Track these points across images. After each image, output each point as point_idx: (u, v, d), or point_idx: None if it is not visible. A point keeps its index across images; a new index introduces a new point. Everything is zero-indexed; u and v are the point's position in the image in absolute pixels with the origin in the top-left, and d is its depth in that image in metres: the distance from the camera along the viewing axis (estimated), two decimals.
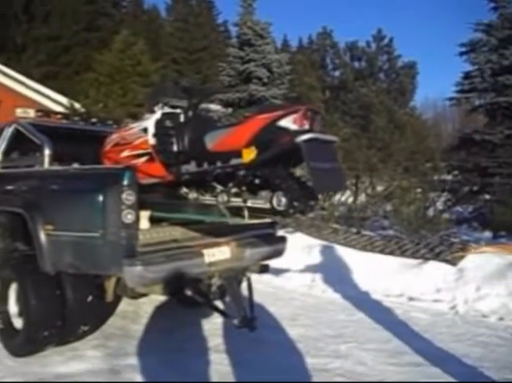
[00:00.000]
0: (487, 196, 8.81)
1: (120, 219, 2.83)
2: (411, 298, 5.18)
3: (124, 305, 4.18)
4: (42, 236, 3.10)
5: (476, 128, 9.80)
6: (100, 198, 2.89)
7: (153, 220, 3.34)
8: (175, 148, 3.23)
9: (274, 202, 2.95)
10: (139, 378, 3.08)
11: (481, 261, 5.46)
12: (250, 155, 2.85)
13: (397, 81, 25.82)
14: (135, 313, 4.30)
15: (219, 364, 3.33)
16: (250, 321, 3.35)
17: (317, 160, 2.70)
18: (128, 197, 2.85)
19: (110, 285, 3.33)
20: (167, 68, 33.17)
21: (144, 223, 3.19)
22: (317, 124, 2.81)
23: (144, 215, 3.19)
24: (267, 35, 11.85)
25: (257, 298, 3.94)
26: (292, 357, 3.49)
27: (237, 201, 3.22)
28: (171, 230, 3.41)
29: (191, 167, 3.24)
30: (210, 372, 3.22)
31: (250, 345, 3.60)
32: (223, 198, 3.25)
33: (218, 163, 3.07)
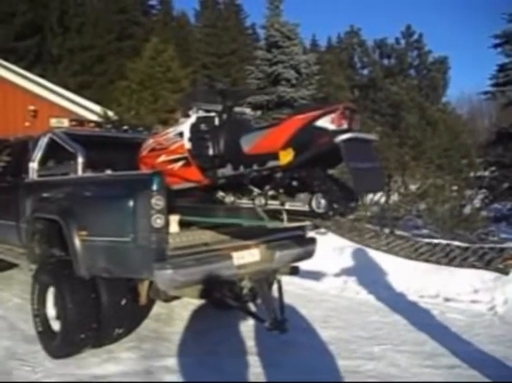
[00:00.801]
0: None
1: (149, 224, 2.89)
2: (447, 299, 5.04)
3: (158, 308, 4.25)
4: (77, 242, 3.20)
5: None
6: (130, 203, 2.96)
7: (183, 224, 3.38)
8: (210, 151, 3.22)
9: (314, 204, 2.90)
10: (171, 379, 3.13)
11: None
12: (287, 157, 2.82)
13: (428, 77, 25.19)
14: (169, 316, 4.37)
15: (252, 366, 3.34)
16: (280, 324, 3.35)
17: (357, 160, 2.64)
18: (157, 202, 2.91)
19: (143, 288, 3.40)
20: (197, 73, 33.63)
21: (174, 227, 3.24)
22: (355, 123, 2.74)
23: (174, 219, 3.24)
24: (295, 36, 11.82)
25: (288, 300, 3.94)
26: (323, 359, 3.47)
27: (275, 204, 3.16)
28: (200, 234, 3.45)
29: (227, 170, 3.23)
30: (242, 374, 3.23)
31: (281, 347, 3.61)
32: (260, 201, 3.19)
33: (255, 166, 3.04)
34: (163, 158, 3.47)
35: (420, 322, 4.25)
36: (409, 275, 5.51)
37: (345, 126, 2.66)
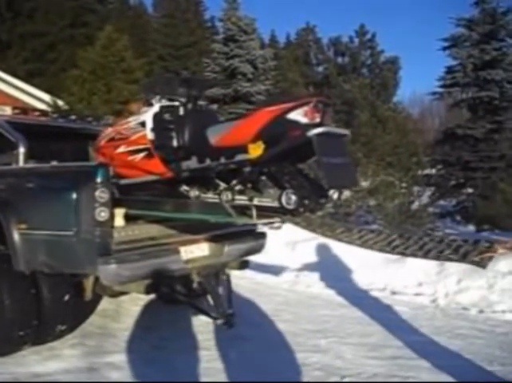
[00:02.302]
0: (470, 190, 8.89)
1: (93, 217, 2.80)
2: (393, 292, 5.21)
3: (105, 303, 4.14)
4: (15, 235, 3.05)
5: (459, 123, 9.87)
6: (74, 196, 2.86)
7: (129, 218, 3.30)
8: (174, 142, 3.07)
9: (283, 200, 2.79)
10: (117, 376, 3.06)
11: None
12: (256, 150, 2.71)
13: (380, 76, 25.95)
14: (116, 312, 4.27)
15: (200, 361, 3.32)
16: (228, 318, 3.34)
17: (329, 155, 2.58)
18: (102, 194, 2.83)
19: (88, 283, 3.31)
20: (154, 64, 32.99)
21: (119, 221, 3.16)
22: (328, 116, 2.68)
23: (119, 212, 3.15)
24: (252, 31, 11.81)
25: (239, 295, 3.94)
26: (271, 353, 3.49)
27: (243, 199, 3.00)
28: (147, 228, 3.38)
29: (192, 163, 3.10)
30: (190, 369, 3.20)
31: (230, 342, 3.60)
32: (227, 196, 3.03)
33: (222, 160, 2.92)
34: (122, 149, 3.29)
35: (367, 315, 4.36)
36: (359, 268, 5.65)
37: (318, 120, 2.59)
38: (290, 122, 2.59)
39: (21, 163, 3.56)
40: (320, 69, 27.55)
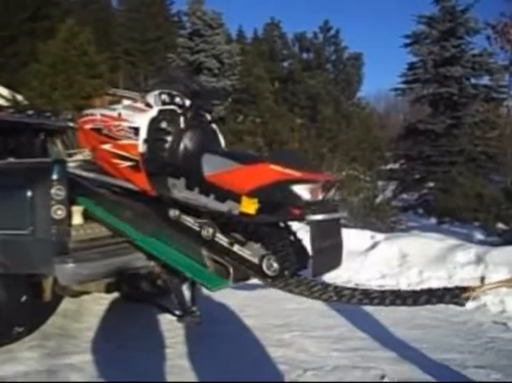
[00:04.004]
0: (431, 184, 9.14)
1: (49, 215, 2.73)
2: (357, 285, 5.29)
3: (66, 303, 4.05)
4: None
5: (420, 118, 10.13)
6: (28, 193, 2.79)
7: (88, 216, 3.23)
8: (166, 157, 2.89)
9: (264, 263, 2.63)
10: (76, 377, 2.99)
11: (423, 246, 5.66)
12: (250, 206, 2.54)
13: (344, 72, 26.38)
14: (77, 312, 4.16)
15: (164, 359, 3.28)
16: (191, 315, 3.31)
17: (322, 239, 2.50)
18: (58, 192, 2.76)
19: (48, 284, 3.23)
20: (120, 59, 32.37)
21: (78, 219, 3.09)
22: (330, 194, 2.62)
23: (77, 210, 3.08)
24: (218, 25, 11.73)
25: (205, 291, 3.91)
26: (236, 348, 3.49)
27: (223, 240, 2.81)
28: None
29: (180, 183, 2.92)
30: (154, 367, 3.16)
31: (195, 339, 3.59)
32: (208, 231, 2.83)
33: (211, 197, 2.75)
34: (108, 147, 3.04)
35: (332, 308, 4.41)
36: None
37: (320, 198, 2.51)
38: (293, 196, 2.44)
39: None
40: (286, 64, 27.74)
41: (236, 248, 2.76)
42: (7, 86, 11.86)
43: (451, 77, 9.71)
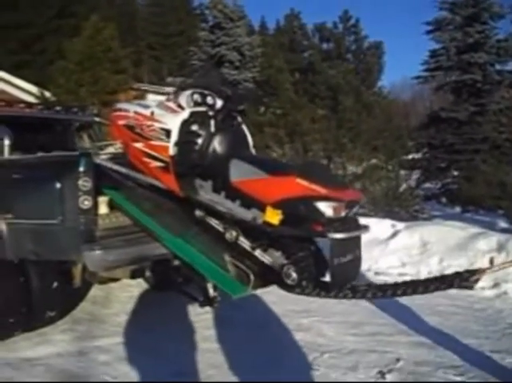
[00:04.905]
0: (455, 172, 9.03)
1: (77, 206, 2.89)
2: (377, 273, 5.35)
3: (95, 290, 4.24)
4: (3, 225, 3.15)
5: (442, 106, 9.98)
6: (57, 185, 2.95)
7: (113, 205, 3.38)
8: (195, 160, 2.94)
9: (284, 272, 2.64)
10: (104, 359, 3.17)
11: (444, 234, 5.65)
12: (274, 217, 2.57)
13: (364, 62, 26.03)
14: (106, 299, 4.36)
15: (187, 343, 3.43)
16: (212, 301, 3.44)
17: (341, 255, 2.52)
18: (85, 183, 2.91)
19: (77, 271, 3.40)
20: (143, 53, 32.74)
21: (103, 209, 3.24)
22: (353, 211, 2.64)
23: (103, 200, 3.24)
24: (238, 18, 11.78)
25: None
26: (257, 333, 3.62)
27: (245, 243, 2.82)
28: None
29: (207, 186, 3.00)
30: (177, 350, 3.31)
31: (217, 324, 3.73)
32: (232, 234, 2.85)
33: (237, 202, 2.80)
34: (139, 146, 3.09)
35: None
36: None
37: (343, 215, 2.52)
38: (316, 212, 2.46)
39: (6, 154, 3.63)
40: (306, 55, 27.58)
41: (258, 253, 2.78)
42: (35, 83, 12.23)
43: (475, 64, 9.52)
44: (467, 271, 2.39)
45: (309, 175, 2.51)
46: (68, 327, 3.65)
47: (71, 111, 5.00)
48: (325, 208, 2.44)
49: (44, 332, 3.51)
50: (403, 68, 57.47)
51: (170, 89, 3.50)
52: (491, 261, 2.42)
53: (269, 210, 2.58)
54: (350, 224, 2.58)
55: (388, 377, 2.89)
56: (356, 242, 2.65)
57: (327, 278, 2.64)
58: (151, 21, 33.88)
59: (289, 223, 2.54)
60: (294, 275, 2.57)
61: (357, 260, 2.68)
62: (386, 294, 2.56)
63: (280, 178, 2.58)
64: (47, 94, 10.75)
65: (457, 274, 2.40)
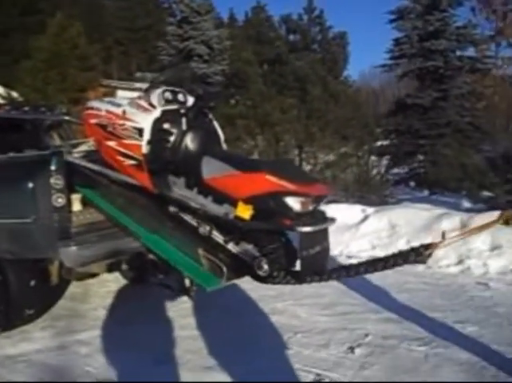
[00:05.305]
0: (421, 157, 9.32)
1: (50, 203, 2.95)
2: (348, 257, 5.55)
3: (73, 287, 4.30)
4: None
5: (408, 93, 10.25)
6: (30, 184, 3.01)
7: (87, 202, 3.45)
8: (168, 157, 3.02)
9: (256, 264, 2.75)
10: (86, 351, 3.25)
11: (411, 216, 5.89)
12: (245, 212, 2.70)
13: (330, 52, 26.42)
14: (84, 295, 4.43)
15: (165, 331, 3.54)
16: (188, 290, 3.55)
17: (310, 247, 2.66)
18: (57, 181, 2.98)
19: (54, 268, 3.46)
20: (112, 49, 32.24)
21: (77, 206, 3.31)
22: (320, 204, 2.76)
23: (76, 197, 3.31)
24: (205, 12, 11.79)
25: None
26: (233, 318, 3.75)
27: (219, 237, 2.94)
28: None
29: (180, 183, 3.08)
30: (155, 338, 3.40)
31: (195, 312, 3.84)
32: (205, 228, 2.96)
33: (209, 199, 2.91)
34: (112, 144, 3.15)
35: None
36: None
37: (310, 209, 2.65)
38: (285, 207, 2.59)
39: None
40: (273, 46, 27.88)
41: (230, 246, 2.89)
42: (1, 83, 11.98)
43: (436, 51, 9.82)
44: (421, 246, 2.57)
45: (278, 172, 2.62)
46: (48, 324, 3.71)
47: (39, 110, 4.99)
48: (294, 203, 2.58)
49: (24, 330, 3.56)
50: (372, 56, 58.11)
51: (140, 85, 3.56)
52: (443, 235, 2.60)
53: (240, 205, 2.71)
54: (318, 217, 2.73)
55: (357, 351, 3.07)
56: (323, 234, 2.79)
57: (297, 268, 2.78)
58: (119, 16, 33.34)
59: (259, 217, 2.67)
60: (266, 267, 2.70)
61: (325, 251, 2.82)
62: (349, 273, 2.73)
63: (250, 174, 2.68)
64: (14, 94, 10.57)
65: (412, 249, 2.58)
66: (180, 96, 3.16)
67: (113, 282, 4.64)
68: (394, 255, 2.65)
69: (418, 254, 2.52)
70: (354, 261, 5.25)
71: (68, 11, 14.63)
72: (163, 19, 29.48)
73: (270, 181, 2.59)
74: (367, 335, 3.31)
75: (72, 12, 16.87)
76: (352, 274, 2.76)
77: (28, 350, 3.30)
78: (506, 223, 2.44)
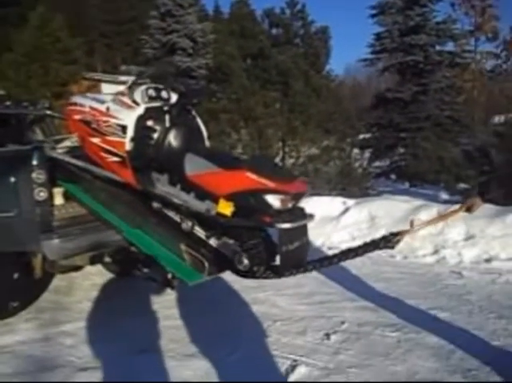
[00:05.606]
0: (402, 150, 9.50)
1: (32, 197, 3.01)
2: (330, 248, 5.67)
3: (57, 281, 4.35)
4: None
5: (389, 87, 10.41)
6: (12, 179, 3.06)
7: (69, 196, 3.50)
8: (151, 154, 3.06)
9: (236, 259, 2.82)
10: (70, 342, 3.32)
11: (390, 208, 6.04)
12: (226, 208, 2.76)
13: (313, 46, 26.59)
14: (68, 288, 4.47)
15: (149, 322, 3.61)
16: (171, 282, 3.63)
17: (289, 243, 2.72)
18: (39, 176, 3.03)
19: (37, 262, 3.51)
20: (96, 42, 31.91)
21: (59, 199, 3.37)
22: (299, 202, 2.83)
23: (58, 191, 3.36)
24: (188, 5, 11.77)
25: None
26: (214, 307, 3.85)
27: (200, 232, 3.00)
28: None
29: (163, 179, 3.13)
30: (138, 328, 3.47)
31: (178, 302, 3.92)
32: (187, 224, 3.01)
33: (192, 194, 2.97)
34: (96, 141, 3.19)
35: None
36: None
37: (289, 206, 2.71)
38: (265, 204, 2.65)
39: None
40: (255, 41, 28.01)
41: (212, 242, 2.96)
42: None
43: (416, 45, 9.98)
44: (391, 234, 2.70)
45: (258, 169, 2.67)
46: (32, 316, 3.76)
47: (21, 105, 5.00)
48: (273, 201, 2.65)
49: (9, 322, 3.60)
50: (357, 50, 58.40)
51: (125, 78, 3.60)
52: (411, 223, 2.73)
53: (221, 202, 2.78)
54: (297, 214, 2.81)
55: (333, 338, 3.19)
56: (302, 231, 2.87)
57: (277, 262, 2.86)
58: (102, 8, 32.97)
59: (240, 214, 2.75)
60: (246, 262, 2.78)
61: (304, 246, 2.90)
62: (323, 264, 2.84)
63: (231, 172, 2.74)
64: None
65: (383, 237, 2.71)
66: (164, 93, 3.21)
67: (97, 275, 4.70)
68: (366, 243, 2.77)
69: (387, 241, 2.64)
70: (335, 251, 5.47)
71: (51, 3, 14.42)
72: (148, 12, 29.32)
73: (250, 179, 2.64)
74: (343, 322, 3.44)
75: (54, 4, 16.63)
76: (326, 264, 2.87)
77: (12, 342, 3.34)
78: (468, 210, 2.56)
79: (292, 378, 2.71)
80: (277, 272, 2.85)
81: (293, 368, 2.80)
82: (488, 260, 4.81)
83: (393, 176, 9.15)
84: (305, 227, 2.90)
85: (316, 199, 6.87)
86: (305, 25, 27.66)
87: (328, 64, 29.38)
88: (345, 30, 64.84)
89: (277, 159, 8.59)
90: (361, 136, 10.12)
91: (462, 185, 6.81)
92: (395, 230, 5.42)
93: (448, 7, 11.73)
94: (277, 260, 2.83)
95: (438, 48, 10.69)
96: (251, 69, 18.64)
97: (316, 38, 27.39)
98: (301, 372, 2.75)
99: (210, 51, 12.23)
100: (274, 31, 27.83)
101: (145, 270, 3.90)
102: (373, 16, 10.62)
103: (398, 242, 2.63)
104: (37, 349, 3.24)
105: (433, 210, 5.62)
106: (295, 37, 27.47)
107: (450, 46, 10.88)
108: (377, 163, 9.74)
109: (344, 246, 5.60)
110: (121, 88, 3.46)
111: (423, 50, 10.11)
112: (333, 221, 6.16)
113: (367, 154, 9.87)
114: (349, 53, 67.54)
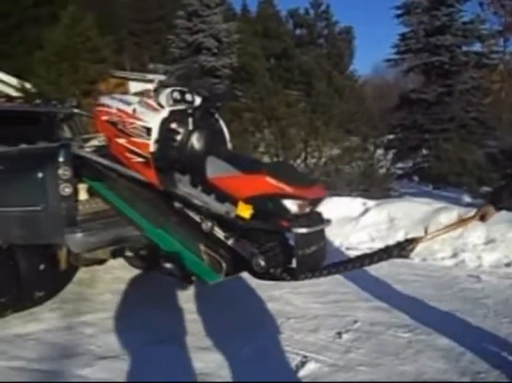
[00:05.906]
0: (425, 152, 9.40)
1: (58, 193, 3.16)
2: (348, 248, 5.70)
3: (81, 273, 4.53)
4: None
5: (413, 88, 10.31)
6: (39, 174, 3.21)
7: (93, 192, 3.65)
8: (174, 155, 3.16)
9: (253, 261, 2.87)
10: (90, 332, 3.47)
11: (410, 210, 6.01)
12: (245, 211, 2.82)
13: (336, 47, 26.46)
14: (91, 280, 4.65)
15: (167, 315, 3.72)
16: (189, 277, 3.73)
17: (306, 247, 2.76)
18: (65, 172, 3.18)
19: (62, 254, 3.68)
20: (125, 40, 32.47)
21: (83, 195, 3.52)
22: (317, 207, 2.88)
23: (83, 187, 3.51)
24: (215, 5, 11.90)
25: None
26: (230, 303, 3.94)
27: (220, 233, 3.07)
28: None
29: (185, 180, 3.22)
30: (164, 320, 3.58)
31: (196, 297, 4.02)
32: (207, 225, 3.09)
33: (212, 196, 3.05)
34: (122, 142, 3.31)
35: None
36: None
37: (307, 211, 2.77)
38: (283, 208, 2.70)
39: None
40: (279, 41, 28.10)
41: (230, 243, 3.02)
42: (15, 75, 12.24)
43: (442, 46, 9.85)
44: (406, 241, 2.71)
45: (277, 174, 2.73)
46: (56, 306, 3.93)
47: (50, 103, 5.20)
48: (291, 205, 2.71)
49: (34, 311, 3.78)
50: (384, 50, 57.67)
51: (152, 76, 3.69)
52: (425, 230, 2.73)
53: (240, 205, 2.85)
54: (314, 219, 2.86)
55: (344, 336, 3.24)
56: (319, 235, 2.92)
57: (293, 265, 2.90)
58: (132, 7, 33.53)
59: (258, 217, 2.82)
60: (263, 264, 2.84)
61: (321, 250, 2.94)
62: (339, 269, 2.89)
63: (251, 176, 2.79)
64: (27, 85, 10.82)
65: (398, 244, 2.72)
66: (188, 96, 3.30)
67: (119, 269, 4.85)
68: (381, 250, 2.78)
69: (401, 249, 2.66)
70: (354, 252, 5.48)
71: (82, 2, 14.78)
72: (176, 11, 29.64)
73: (269, 183, 2.69)
74: (355, 322, 3.48)
75: (85, 3, 17.03)
76: (342, 269, 2.91)
77: (37, 330, 3.52)
78: (481, 219, 2.53)
79: (301, 374, 2.77)
80: (293, 275, 2.89)
81: (303, 363, 2.87)
82: (508, 264, 4.76)
83: (416, 178, 9.08)
84: (322, 232, 2.95)
85: (335, 199, 6.89)
86: (329, 25, 27.60)
87: (352, 64, 29.33)
88: (372, 30, 63.95)
89: (300, 160, 8.63)
90: (386, 137, 10.07)
91: (485, 188, 6.71)
92: (414, 231, 5.53)
93: (476, 7, 11.56)
94: (294, 263, 2.88)
95: (464, 48, 10.52)
96: (274, 69, 18.69)
97: (340, 39, 27.30)
98: (310, 368, 2.81)
99: (235, 51, 12.35)
100: (298, 31, 27.90)
101: (167, 265, 4.05)
102: (398, 16, 10.54)
103: (412, 250, 2.64)
104: (59, 337, 3.41)
105: (453, 213, 5.58)
106: (319, 37, 27.47)
107: (477, 47, 10.76)
108: (400, 165, 9.69)
109: (362, 247, 5.68)
110: (148, 86, 3.57)
111: (449, 51, 9.96)
112: (352, 221, 6.17)
113: (390, 155, 9.80)
114: (376, 52, 66.78)
